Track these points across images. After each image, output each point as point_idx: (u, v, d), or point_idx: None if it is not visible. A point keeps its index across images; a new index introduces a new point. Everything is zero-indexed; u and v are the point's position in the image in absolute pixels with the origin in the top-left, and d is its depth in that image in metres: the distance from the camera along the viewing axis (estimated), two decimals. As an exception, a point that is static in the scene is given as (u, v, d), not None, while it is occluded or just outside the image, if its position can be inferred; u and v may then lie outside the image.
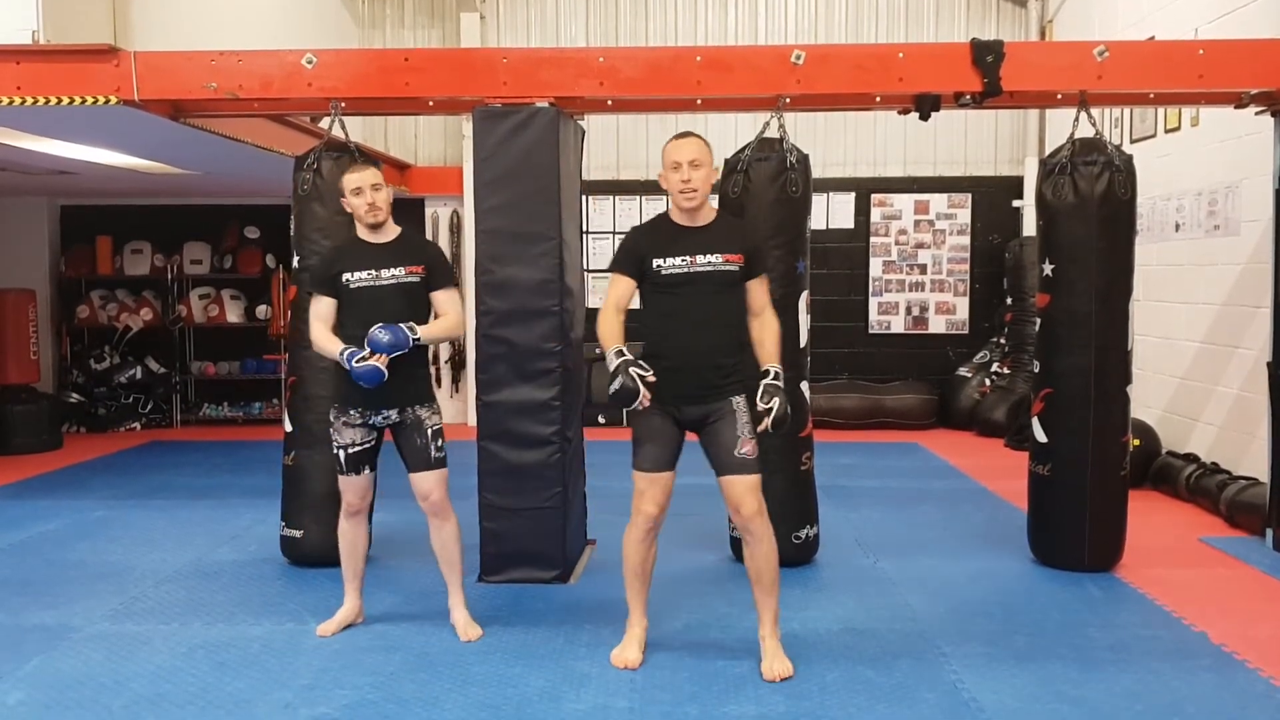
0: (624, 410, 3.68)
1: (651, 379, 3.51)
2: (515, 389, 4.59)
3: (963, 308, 9.75)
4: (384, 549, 5.18)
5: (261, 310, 9.73)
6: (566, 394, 4.66)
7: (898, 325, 9.78)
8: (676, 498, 5.81)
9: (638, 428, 3.70)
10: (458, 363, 9.69)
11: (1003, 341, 9.35)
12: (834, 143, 9.57)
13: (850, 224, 9.69)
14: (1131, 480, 5.02)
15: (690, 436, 3.72)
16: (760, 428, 3.54)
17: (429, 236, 9.21)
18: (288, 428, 4.93)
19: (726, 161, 4.82)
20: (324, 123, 5.11)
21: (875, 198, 9.70)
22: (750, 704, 3.39)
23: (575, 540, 4.97)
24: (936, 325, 9.77)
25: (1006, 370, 9.13)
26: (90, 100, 4.76)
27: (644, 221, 3.89)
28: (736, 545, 4.97)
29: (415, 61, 4.84)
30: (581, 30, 9.67)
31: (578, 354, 4.98)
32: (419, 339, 3.82)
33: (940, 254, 9.73)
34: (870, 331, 9.75)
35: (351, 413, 3.90)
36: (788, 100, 4.79)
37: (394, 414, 3.91)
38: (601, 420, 9.30)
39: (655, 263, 3.67)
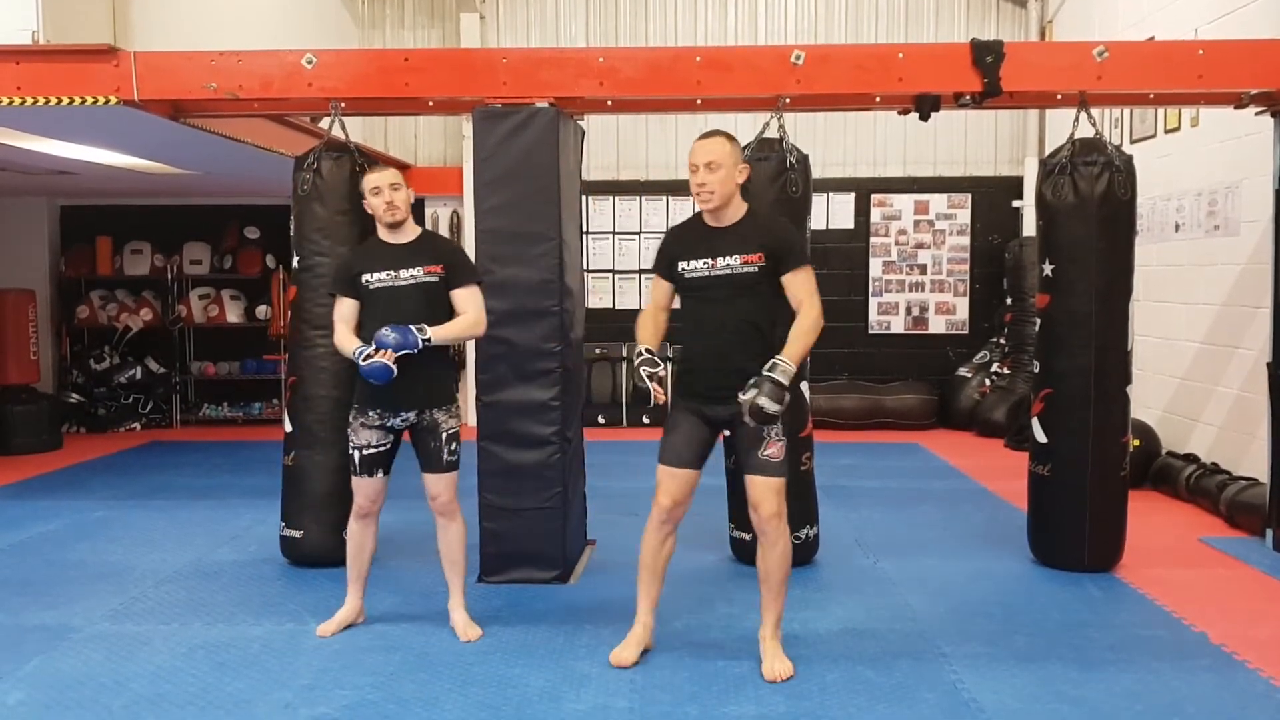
0: (649, 406, 3.70)
1: (660, 376, 3.56)
2: (515, 389, 4.59)
3: (963, 308, 9.75)
4: (384, 549, 5.14)
5: (261, 310, 9.73)
6: (566, 394, 4.66)
7: (898, 325, 9.78)
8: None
9: (666, 423, 3.76)
10: (458, 363, 9.69)
11: (1003, 342, 9.35)
12: (834, 143, 9.57)
13: (850, 224, 9.69)
14: (1131, 480, 5.02)
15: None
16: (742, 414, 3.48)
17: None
18: (288, 428, 4.93)
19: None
20: (324, 123, 5.11)
21: (875, 198, 9.70)
22: (750, 704, 3.39)
23: (575, 540, 4.97)
24: (936, 325, 9.78)
25: (1006, 370, 9.13)
26: (90, 100, 4.76)
27: (681, 222, 3.86)
28: (737, 545, 4.98)
29: (415, 62, 4.84)
30: (581, 30, 9.68)
31: (578, 354, 4.98)
32: (429, 340, 3.81)
33: (940, 254, 9.73)
34: (870, 332, 9.75)
35: (370, 414, 3.91)
36: (788, 100, 4.80)
37: (412, 415, 3.92)
38: (601, 420, 9.31)
39: (681, 266, 3.68)
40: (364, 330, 3.88)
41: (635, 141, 9.75)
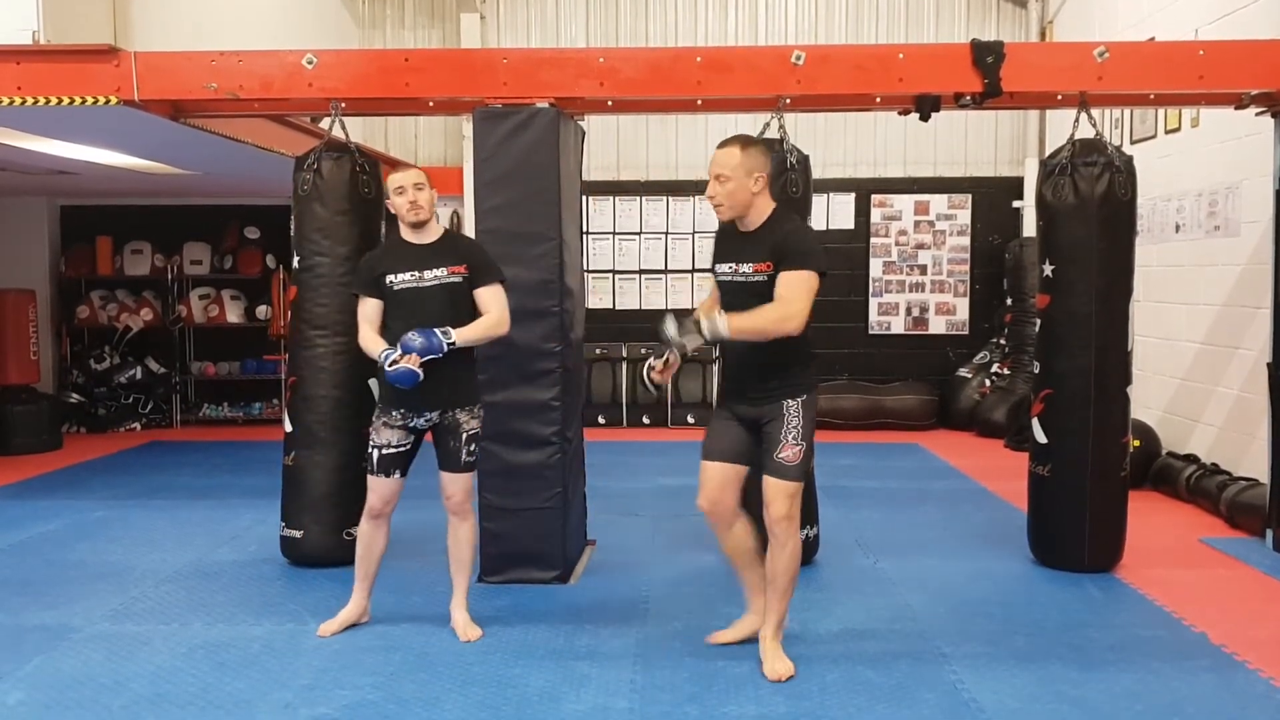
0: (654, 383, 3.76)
1: (657, 375, 3.61)
2: (515, 389, 4.59)
3: (963, 308, 9.75)
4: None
5: (262, 310, 9.73)
6: (567, 394, 4.66)
7: (898, 326, 9.78)
8: (676, 497, 5.84)
9: (708, 423, 3.84)
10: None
11: (1003, 342, 9.35)
12: (834, 143, 9.57)
13: (850, 225, 9.69)
14: (1132, 481, 5.02)
15: None
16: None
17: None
18: (288, 428, 4.93)
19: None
20: (324, 123, 5.11)
21: (875, 198, 9.71)
22: (750, 704, 3.39)
23: (575, 540, 4.97)
24: (936, 326, 9.78)
25: (1006, 371, 9.13)
26: (90, 100, 4.76)
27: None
28: (737, 545, 4.98)
29: (415, 62, 4.84)
30: (582, 31, 9.68)
31: (578, 354, 4.98)
32: (453, 343, 3.81)
33: (940, 255, 9.73)
34: (870, 332, 9.76)
35: (394, 414, 3.91)
36: (788, 101, 4.80)
37: (435, 415, 3.92)
38: (601, 420, 9.31)
39: (717, 267, 3.72)
40: (388, 331, 3.88)
41: (635, 142, 9.76)
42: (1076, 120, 4.75)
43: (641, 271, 9.76)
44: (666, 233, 9.75)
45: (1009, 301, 9.24)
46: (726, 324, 3.42)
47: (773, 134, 4.73)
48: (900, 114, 5.21)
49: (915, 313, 9.77)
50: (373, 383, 4.91)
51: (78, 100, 4.77)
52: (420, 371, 3.72)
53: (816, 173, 5.01)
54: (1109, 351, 4.72)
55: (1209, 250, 6.51)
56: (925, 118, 4.92)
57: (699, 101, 5.12)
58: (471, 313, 3.93)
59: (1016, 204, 9.49)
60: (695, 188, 9.62)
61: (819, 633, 4.05)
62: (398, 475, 3.96)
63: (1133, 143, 7.34)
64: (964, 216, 9.70)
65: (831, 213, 9.59)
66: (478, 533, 4.16)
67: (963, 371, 9.49)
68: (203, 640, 4.00)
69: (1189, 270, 6.77)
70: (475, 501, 4.62)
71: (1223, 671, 3.66)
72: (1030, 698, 3.44)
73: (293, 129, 6.43)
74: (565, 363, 4.64)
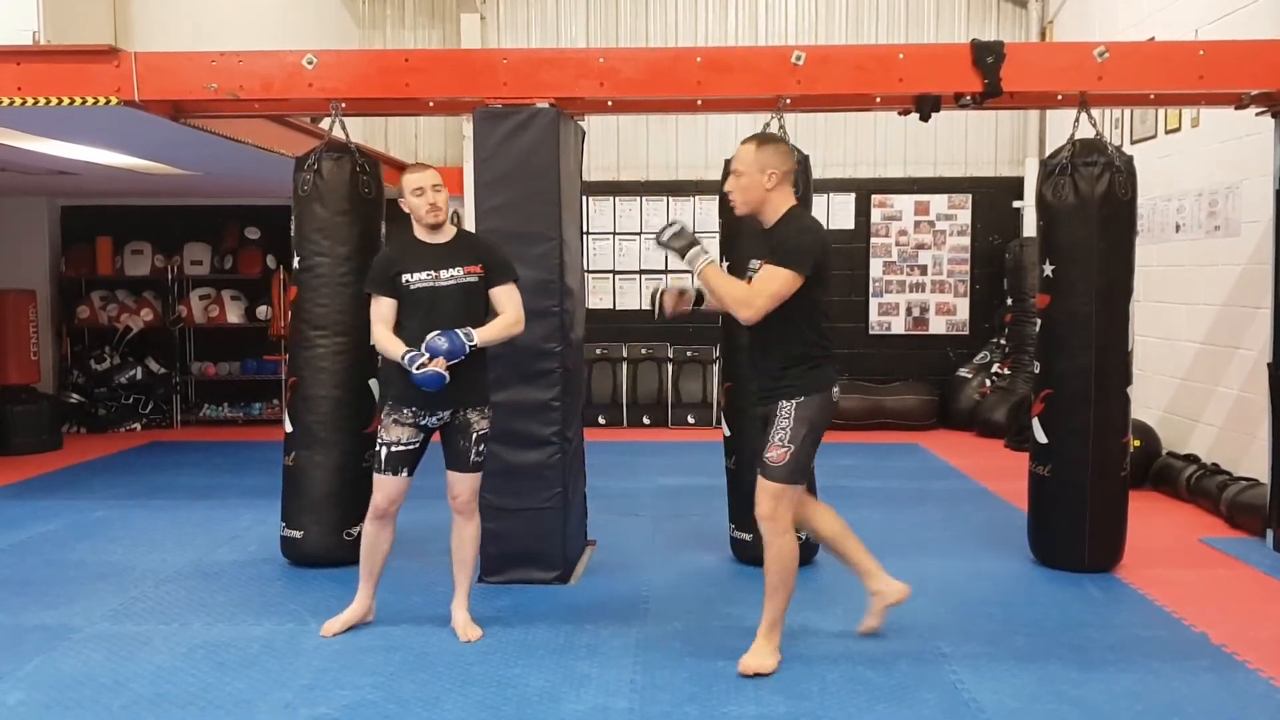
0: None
1: (669, 302, 3.82)
2: (515, 389, 4.59)
3: (963, 308, 9.75)
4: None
5: (262, 311, 9.73)
6: (567, 394, 4.66)
7: (898, 326, 9.79)
8: (676, 497, 5.79)
9: None
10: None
11: (1003, 342, 9.35)
12: (834, 143, 9.57)
13: (850, 225, 9.69)
14: (1132, 481, 5.02)
15: None
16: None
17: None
18: (288, 428, 4.93)
19: (727, 162, 4.80)
20: (324, 123, 5.11)
21: (875, 198, 9.71)
22: (750, 704, 3.39)
23: (575, 540, 4.97)
24: (937, 326, 9.78)
25: (1007, 371, 9.13)
26: (91, 101, 4.76)
27: None
28: (737, 545, 4.98)
29: (415, 62, 4.84)
30: (582, 31, 9.68)
31: (578, 354, 4.98)
32: (474, 344, 3.81)
33: (940, 255, 9.73)
34: (870, 332, 9.76)
35: (405, 412, 3.90)
36: (788, 101, 4.80)
37: (447, 414, 3.92)
38: (601, 420, 9.31)
39: (748, 264, 3.79)
40: (403, 330, 3.87)
41: (636, 142, 9.76)
42: (1076, 120, 4.75)
43: (642, 271, 9.76)
44: (667, 233, 9.73)
45: (1009, 301, 9.24)
46: (705, 264, 3.55)
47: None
48: (900, 114, 5.21)
49: (915, 313, 9.77)
50: (373, 383, 4.93)
51: (78, 100, 4.77)
52: (447, 374, 3.73)
53: (816, 173, 5.02)
54: (1109, 351, 4.72)
55: (1209, 250, 6.51)
56: (925, 118, 4.92)
57: (699, 101, 5.12)
58: (485, 312, 3.94)
59: (1016, 204, 9.49)
60: (695, 188, 9.63)
61: (819, 633, 4.05)
62: (405, 474, 3.95)
63: (1133, 143, 7.34)
64: (964, 216, 9.70)
65: (832, 213, 9.59)
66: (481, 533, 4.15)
67: (963, 371, 9.49)
68: (203, 640, 4.00)
69: (1189, 270, 6.77)
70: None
71: (1223, 671, 3.66)
72: (1030, 698, 3.44)
73: (293, 129, 6.43)
74: (565, 363, 4.64)
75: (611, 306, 9.75)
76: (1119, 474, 4.81)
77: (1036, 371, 4.95)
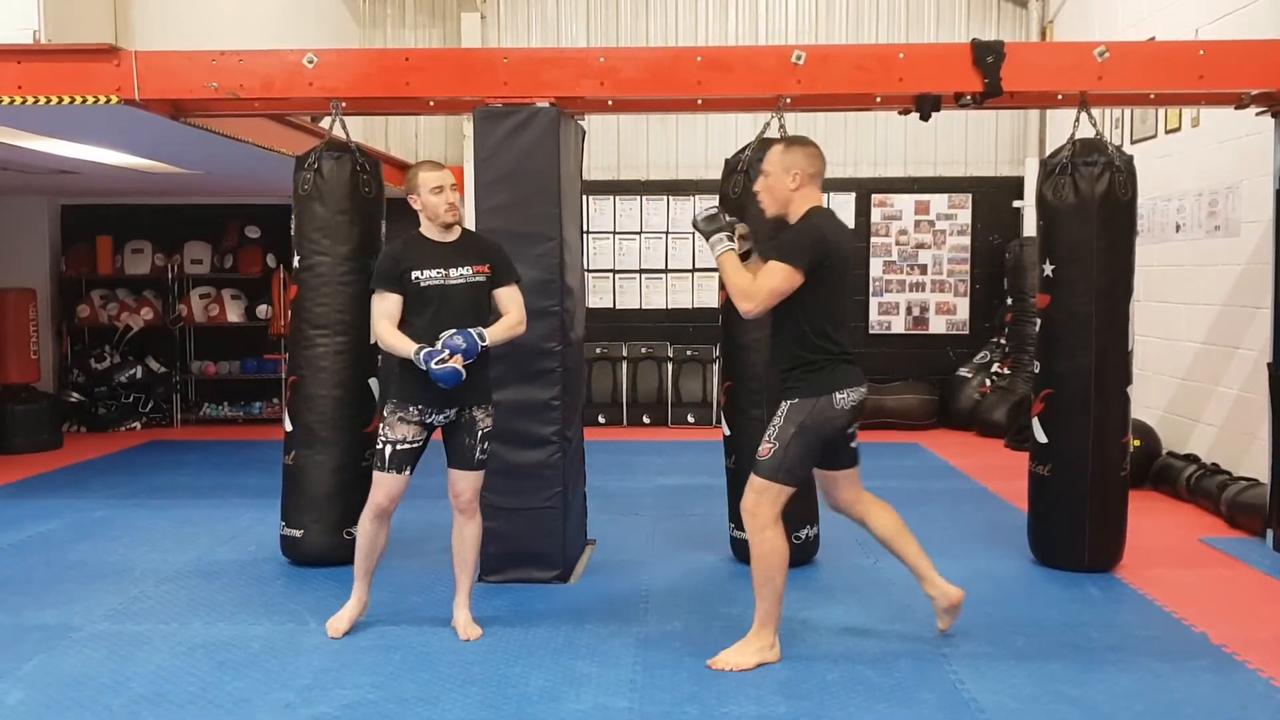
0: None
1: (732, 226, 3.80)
2: (515, 389, 4.59)
3: (963, 308, 9.75)
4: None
5: (262, 310, 9.73)
6: (567, 394, 4.66)
7: (898, 325, 9.78)
8: (676, 497, 5.79)
9: None
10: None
11: (1003, 342, 9.35)
12: (834, 143, 9.55)
13: (850, 224, 9.68)
14: (1132, 481, 5.02)
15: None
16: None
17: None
18: (288, 427, 4.93)
19: (727, 162, 4.82)
20: (325, 122, 5.11)
21: (876, 198, 9.71)
22: (750, 704, 3.39)
23: (575, 540, 4.97)
24: (937, 325, 9.78)
25: (1007, 371, 9.13)
26: (91, 100, 4.76)
27: None
28: (737, 545, 4.98)
29: (416, 61, 4.84)
30: (582, 30, 9.68)
31: (578, 354, 4.98)
32: (486, 343, 3.83)
33: (941, 254, 9.73)
34: (871, 332, 9.75)
35: (411, 410, 3.89)
36: (788, 100, 4.79)
37: (452, 413, 3.92)
38: (601, 420, 9.31)
39: None
40: (409, 327, 3.86)
41: (636, 141, 9.76)
42: (1077, 120, 4.75)
43: (642, 271, 9.76)
44: (667, 232, 9.75)
45: (1009, 301, 9.24)
46: (722, 252, 3.68)
47: (773, 134, 4.72)
48: (900, 114, 5.21)
49: (915, 312, 9.77)
50: (373, 382, 4.93)
51: (78, 100, 4.77)
52: (464, 371, 3.73)
53: (817, 172, 5.00)
54: (1109, 351, 4.72)
55: (1209, 250, 6.51)
56: (925, 117, 4.92)
57: (699, 101, 5.12)
58: (488, 312, 3.96)
59: (1017, 204, 9.49)
60: (695, 187, 9.63)
61: (819, 633, 4.06)
62: (408, 472, 3.95)
63: (1133, 143, 7.34)
64: (964, 216, 9.69)
65: (832, 212, 9.57)
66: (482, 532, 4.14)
67: (963, 371, 9.49)
68: (203, 640, 4.00)
69: (1189, 270, 6.77)
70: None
71: (1223, 671, 3.66)
72: (1030, 698, 3.44)
73: (293, 128, 6.43)
74: (565, 362, 4.64)
75: (611, 306, 9.75)
76: (1119, 474, 4.81)
77: (1036, 371, 4.95)
